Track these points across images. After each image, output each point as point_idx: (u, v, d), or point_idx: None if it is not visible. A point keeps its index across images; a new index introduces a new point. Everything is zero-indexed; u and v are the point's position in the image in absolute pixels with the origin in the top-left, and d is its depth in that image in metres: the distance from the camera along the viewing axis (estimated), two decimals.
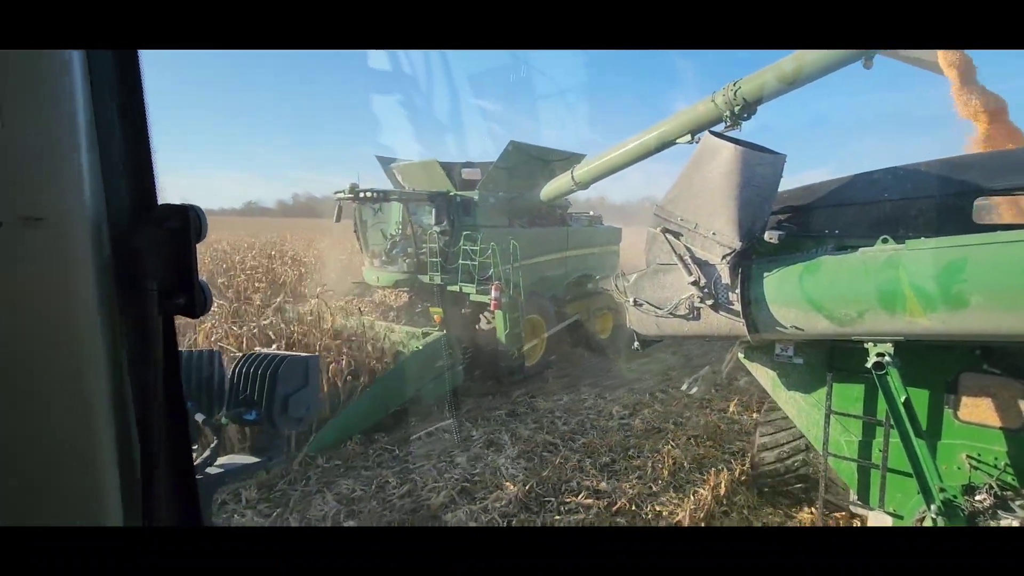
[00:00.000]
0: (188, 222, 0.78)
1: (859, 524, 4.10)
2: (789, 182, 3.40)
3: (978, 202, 2.95)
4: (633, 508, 4.75)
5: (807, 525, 3.91)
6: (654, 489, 5.08)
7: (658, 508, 4.76)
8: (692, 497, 4.81)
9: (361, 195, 8.53)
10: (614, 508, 4.73)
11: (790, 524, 4.58)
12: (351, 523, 4.55)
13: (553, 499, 4.89)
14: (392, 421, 6.50)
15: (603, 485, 5.13)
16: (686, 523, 4.43)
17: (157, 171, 0.80)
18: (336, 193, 8.93)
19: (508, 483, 5.09)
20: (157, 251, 0.77)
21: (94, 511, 0.71)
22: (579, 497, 4.87)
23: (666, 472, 5.35)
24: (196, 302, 0.80)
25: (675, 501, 4.86)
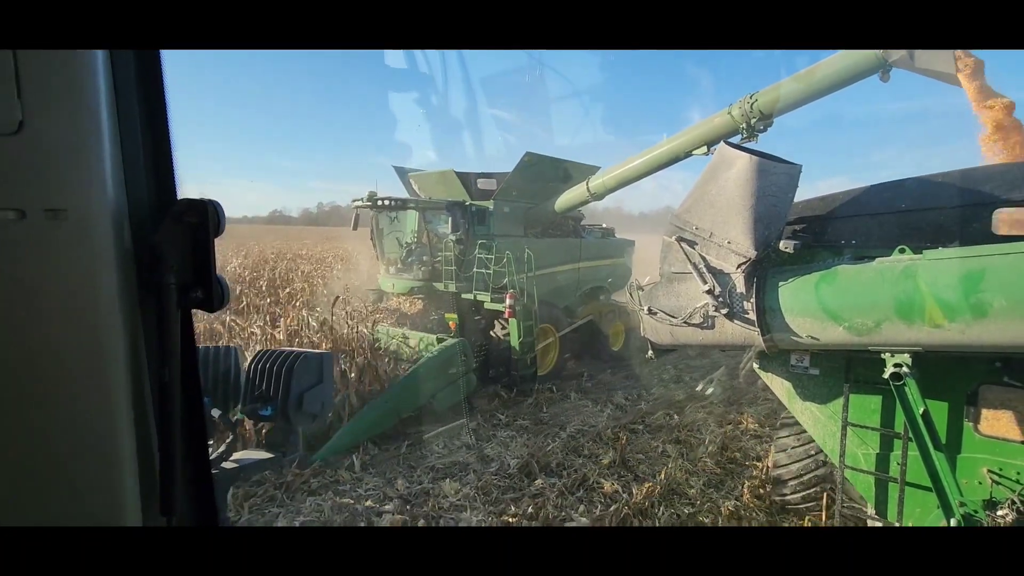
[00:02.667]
0: (207, 217, 0.79)
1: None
2: (806, 190, 3.40)
3: (998, 213, 2.92)
4: None
5: (804, 526, 3.84)
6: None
7: None
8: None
9: (378, 203, 8.67)
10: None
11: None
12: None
13: None
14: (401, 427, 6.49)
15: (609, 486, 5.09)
16: None
17: (177, 167, 0.83)
18: (354, 201, 9.09)
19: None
20: (176, 245, 0.78)
21: (114, 502, 0.72)
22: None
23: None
24: (214, 296, 0.81)
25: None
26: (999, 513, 2.72)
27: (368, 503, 4.74)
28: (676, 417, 7.11)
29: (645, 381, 9.02)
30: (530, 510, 4.72)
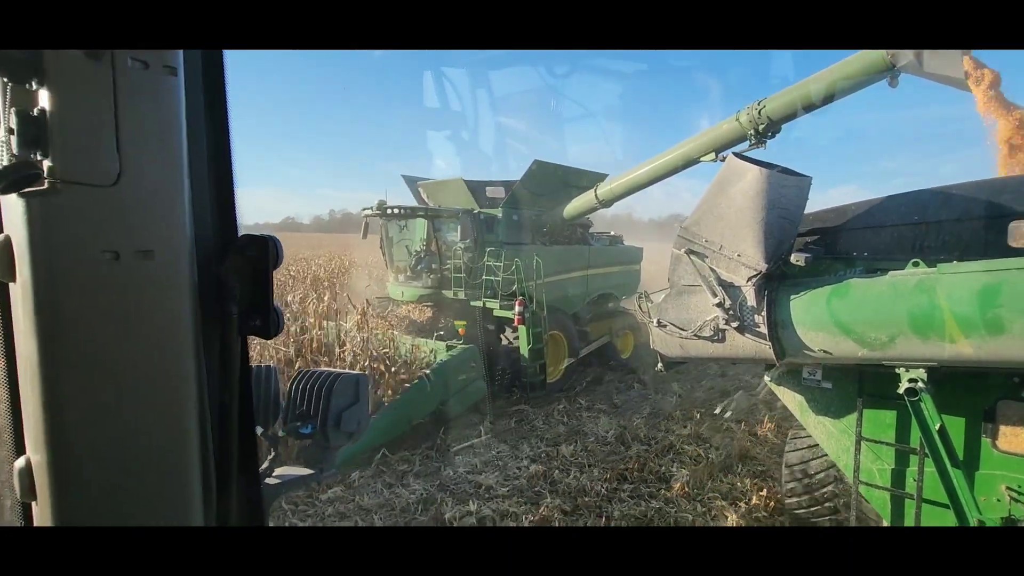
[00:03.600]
0: (267, 251, 0.85)
1: None
2: (817, 197, 3.38)
3: (1013, 226, 2.88)
4: None
5: (803, 526, 3.80)
6: None
7: None
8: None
9: (388, 211, 8.72)
10: None
11: None
12: None
13: None
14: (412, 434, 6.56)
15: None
16: None
17: (239, 205, 0.89)
18: (364, 209, 9.16)
19: None
20: (239, 278, 0.84)
21: (181, 508, 0.79)
22: None
23: None
24: (270, 324, 0.87)
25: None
26: None
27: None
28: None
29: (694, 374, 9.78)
30: (634, 466, 5.95)
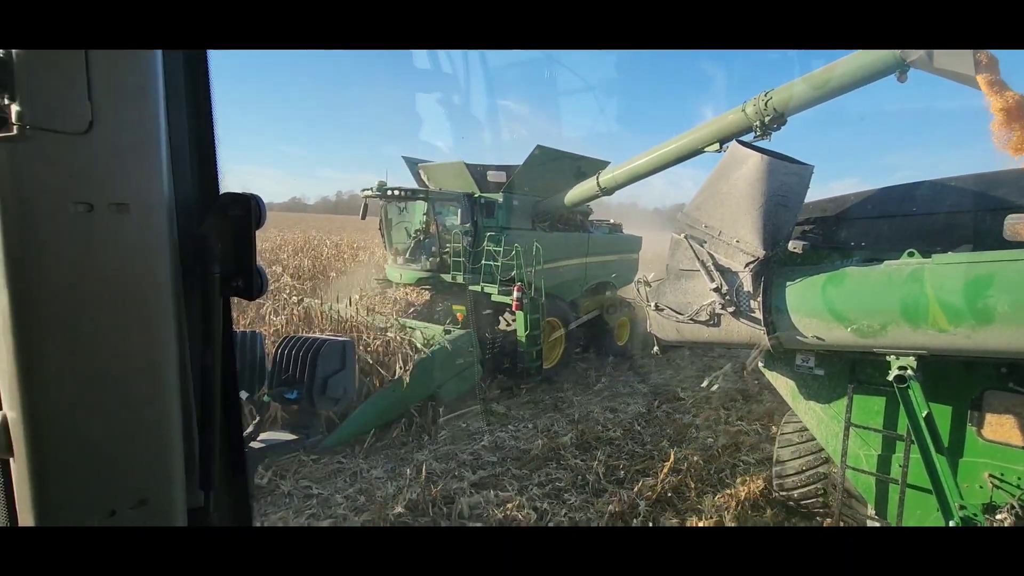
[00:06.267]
0: (249, 210, 0.84)
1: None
2: (816, 190, 3.40)
3: (1009, 219, 2.92)
4: None
5: (804, 526, 3.87)
6: None
7: None
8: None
9: (388, 193, 8.70)
10: None
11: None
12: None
13: None
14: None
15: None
16: None
17: (220, 162, 0.87)
18: (363, 190, 9.13)
19: None
20: (221, 237, 0.83)
21: (161, 474, 0.78)
22: None
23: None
24: (253, 285, 0.86)
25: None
26: (998, 517, 2.75)
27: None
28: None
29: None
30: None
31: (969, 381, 3.05)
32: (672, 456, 5.57)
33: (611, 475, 5.44)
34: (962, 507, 2.76)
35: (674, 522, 4.64)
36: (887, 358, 2.88)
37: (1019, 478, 2.95)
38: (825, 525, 4.53)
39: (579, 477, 5.36)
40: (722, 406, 7.58)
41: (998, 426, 3.01)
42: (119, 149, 0.69)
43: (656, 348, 3.77)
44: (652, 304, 3.46)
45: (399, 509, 4.57)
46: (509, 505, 4.73)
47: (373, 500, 4.76)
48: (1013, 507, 2.75)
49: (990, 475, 3.03)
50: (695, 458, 5.67)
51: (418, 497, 4.75)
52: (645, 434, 6.66)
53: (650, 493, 4.98)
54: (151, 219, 0.73)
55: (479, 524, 4.19)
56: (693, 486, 5.19)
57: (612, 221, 12.16)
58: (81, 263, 0.67)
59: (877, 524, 3.21)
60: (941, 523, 2.88)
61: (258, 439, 1.66)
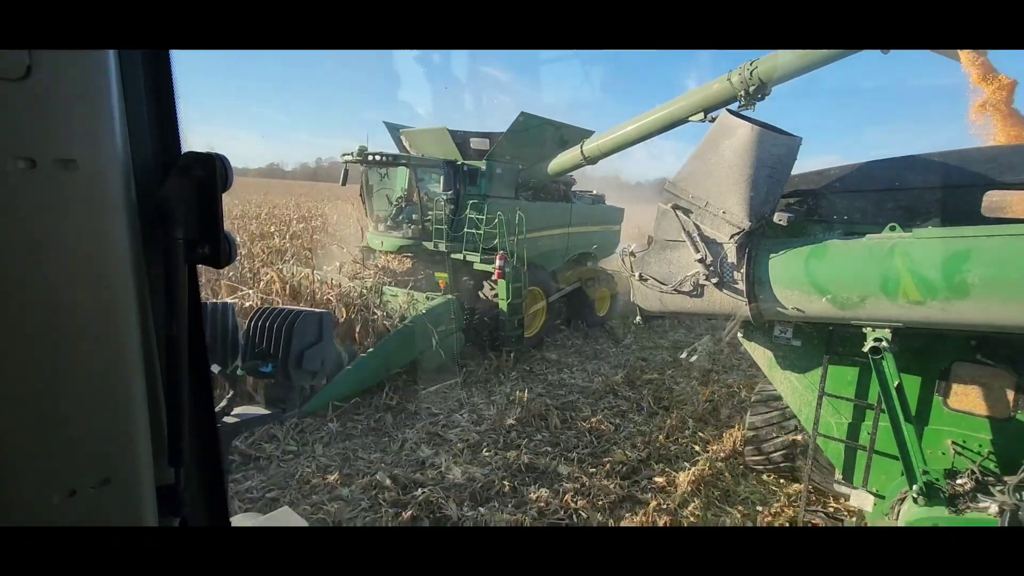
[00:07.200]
0: (214, 171, 0.77)
1: (843, 510, 4.24)
2: (801, 166, 3.40)
3: (988, 195, 2.97)
4: None
5: (804, 526, 4.07)
6: None
7: None
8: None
9: (369, 158, 8.48)
10: None
11: (779, 494, 4.80)
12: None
13: None
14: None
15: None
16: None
17: (182, 119, 0.80)
18: (343, 155, 8.88)
19: None
20: (183, 200, 0.76)
21: (126, 450, 0.73)
22: None
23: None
24: (221, 252, 0.80)
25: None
26: (958, 482, 2.88)
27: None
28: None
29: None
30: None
31: (940, 353, 3.15)
32: (708, 390, 7.21)
33: (658, 403, 6.93)
34: (925, 472, 2.88)
35: (712, 432, 6.02)
36: (864, 330, 2.95)
37: (980, 445, 3.09)
38: (796, 489, 4.72)
39: (635, 404, 6.90)
40: (733, 357, 8.76)
41: (963, 396, 3.13)
42: (62, 99, 0.62)
43: (639, 318, 3.80)
44: (636, 274, 3.46)
45: (511, 421, 5.95)
46: (593, 419, 6.21)
47: (484, 418, 6.14)
48: (973, 472, 2.88)
49: (953, 442, 3.16)
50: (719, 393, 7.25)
51: (521, 414, 6.15)
52: (677, 376, 8.07)
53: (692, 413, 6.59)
54: (104, 178, 0.66)
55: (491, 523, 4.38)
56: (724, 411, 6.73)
57: (594, 192, 12.12)
58: (26, 225, 0.60)
59: (844, 489, 3.35)
60: (904, 486, 3.01)
61: (232, 413, 1.62)
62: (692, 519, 4.41)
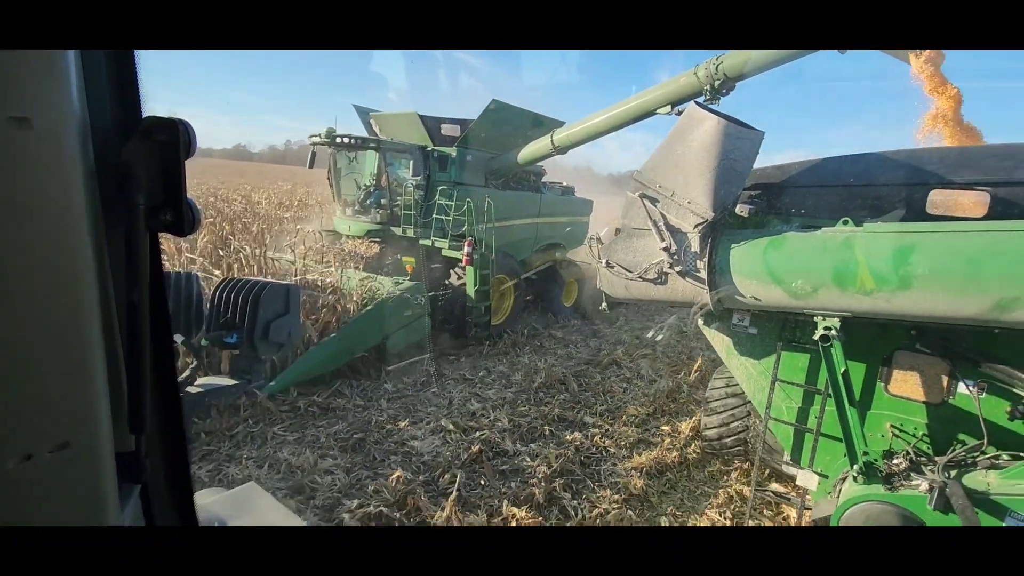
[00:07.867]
0: (177, 136, 0.75)
1: (794, 490, 4.46)
2: (762, 161, 3.53)
3: (932, 194, 3.16)
4: None
5: (801, 525, 4.26)
6: None
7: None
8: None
9: (337, 140, 8.30)
10: None
11: (729, 472, 5.05)
12: None
13: None
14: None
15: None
16: None
17: (142, 81, 0.77)
18: (311, 137, 8.65)
19: None
20: (145, 165, 0.74)
21: (86, 417, 0.72)
22: None
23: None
24: (184, 220, 0.78)
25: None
26: (895, 462, 3.08)
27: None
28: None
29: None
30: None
31: (883, 342, 3.35)
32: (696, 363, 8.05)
33: (656, 372, 7.92)
34: (865, 453, 3.07)
35: (703, 394, 6.22)
36: (815, 319, 3.10)
37: (915, 428, 3.31)
38: (747, 467, 4.93)
39: (636, 373, 7.88)
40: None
41: (903, 382, 3.34)
42: (16, 53, 0.58)
43: (604, 304, 3.88)
44: (603, 261, 3.53)
45: (539, 381, 7.00)
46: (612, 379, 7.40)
47: (512, 383, 7.07)
48: (908, 453, 3.09)
49: (891, 425, 3.38)
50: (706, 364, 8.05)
51: (543, 379, 7.09)
52: (669, 351, 9.02)
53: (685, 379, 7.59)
54: (61, 139, 0.63)
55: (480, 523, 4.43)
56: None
57: (564, 183, 12.20)
58: None
59: (794, 470, 3.53)
60: (846, 466, 3.20)
61: (196, 384, 1.59)
62: (694, 455, 5.36)
